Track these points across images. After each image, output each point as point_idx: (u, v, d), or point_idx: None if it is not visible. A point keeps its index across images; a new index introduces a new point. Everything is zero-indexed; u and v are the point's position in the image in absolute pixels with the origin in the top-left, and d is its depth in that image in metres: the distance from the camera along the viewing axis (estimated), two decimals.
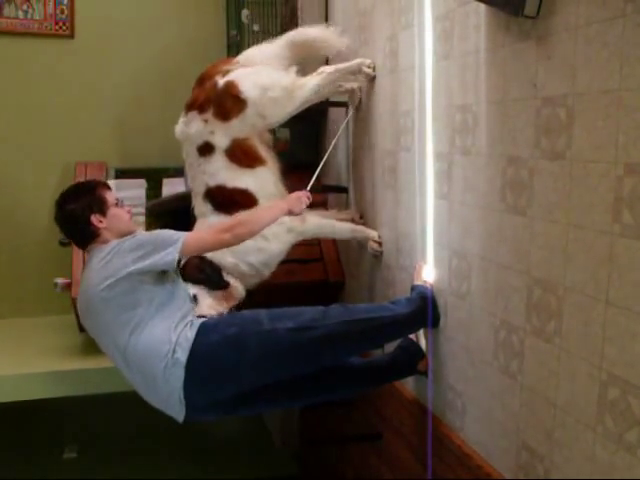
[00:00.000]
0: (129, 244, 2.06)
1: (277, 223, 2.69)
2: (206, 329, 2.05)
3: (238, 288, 2.62)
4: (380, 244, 2.94)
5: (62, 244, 3.68)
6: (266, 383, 2.13)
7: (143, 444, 4.37)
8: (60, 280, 3.49)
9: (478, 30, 2.06)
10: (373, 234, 2.96)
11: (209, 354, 2.02)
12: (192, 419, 2.09)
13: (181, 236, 2.08)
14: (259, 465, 4.31)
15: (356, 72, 2.96)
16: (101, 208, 2.15)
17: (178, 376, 1.98)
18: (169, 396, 2.02)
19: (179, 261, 2.15)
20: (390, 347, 2.68)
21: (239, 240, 2.19)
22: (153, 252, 2.03)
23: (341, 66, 2.91)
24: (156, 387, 2.04)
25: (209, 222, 2.66)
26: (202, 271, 2.42)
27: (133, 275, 2.01)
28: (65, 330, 3.72)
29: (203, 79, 2.82)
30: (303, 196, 2.39)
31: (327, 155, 2.89)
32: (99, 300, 2.04)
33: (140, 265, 2.01)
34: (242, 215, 2.29)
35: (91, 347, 3.50)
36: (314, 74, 2.85)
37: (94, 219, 2.13)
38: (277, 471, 4.29)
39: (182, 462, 4.23)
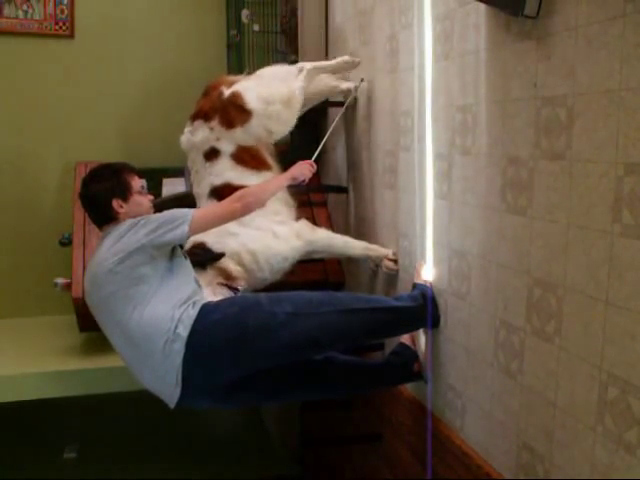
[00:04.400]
0: (143, 222, 2.10)
1: (287, 226, 2.70)
2: (208, 309, 2.08)
3: (235, 268, 2.60)
4: (396, 262, 2.77)
5: (62, 244, 3.69)
6: (264, 368, 2.13)
7: (143, 444, 4.36)
8: (60, 280, 3.49)
9: (478, 30, 2.06)
10: (387, 252, 2.80)
11: (210, 331, 2.03)
12: (185, 403, 2.08)
13: (192, 211, 2.13)
14: (259, 465, 4.31)
15: (337, 70, 3.00)
16: (124, 193, 2.18)
17: (178, 351, 2.00)
18: (166, 373, 2.02)
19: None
20: (388, 349, 2.68)
21: (249, 209, 2.22)
22: (164, 226, 2.06)
23: (321, 64, 3.03)
24: (154, 364, 2.04)
25: None
26: (195, 254, 2.44)
27: (146, 248, 2.04)
28: (65, 330, 3.72)
29: (208, 90, 2.89)
30: (307, 164, 2.45)
31: (328, 134, 2.93)
32: (106, 272, 2.06)
33: (152, 238, 2.04)
34: (249, 187, 2.33)
35: (91, 347, 3.51)
36: (295, 74, 2.91)
37: (115, 204, 2.16)
38: (277, 471, 4.28)
39: (182, 462, 4.22)
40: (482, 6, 1.99)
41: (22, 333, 3.90)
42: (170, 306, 2.04)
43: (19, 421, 4.27)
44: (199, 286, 2.22)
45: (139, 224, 2.09)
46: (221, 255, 2.54)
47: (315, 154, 2.66)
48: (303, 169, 2.45)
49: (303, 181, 2.47)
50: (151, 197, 2.30)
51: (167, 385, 2.04)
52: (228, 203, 2.21)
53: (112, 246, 2.08)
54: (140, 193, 2.23)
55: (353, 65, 3.03)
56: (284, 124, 2.82)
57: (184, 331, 2.00)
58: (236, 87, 2.81)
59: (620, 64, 1.47)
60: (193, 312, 2.04)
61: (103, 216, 2.19)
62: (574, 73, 1.62)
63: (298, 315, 2.10)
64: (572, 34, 1.62)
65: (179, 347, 2.00)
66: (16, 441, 4.26)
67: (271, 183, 2.43)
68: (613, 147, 1.50)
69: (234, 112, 2.75)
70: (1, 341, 3.73)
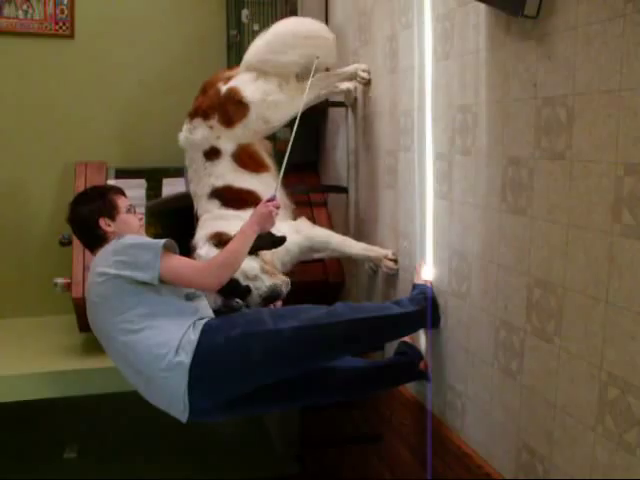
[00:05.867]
0: (114, 246, 2.07)
1: (285, 223, 2.69)
2: (210, 331, 2.04)
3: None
4: (396, 261, 2.76)
5: (62, 244, 3.69)
6: (270, 382, 2.12)
7: (143, 444, 4.37)
8: (60, 280, 3.49)
9: (478, 30, 2.06)
10: (387, 252, 2.79)
11: (213, 357, 2.00)
12: (195, 420, 2.08)
13: (160, 258, 2.00)
14: (259, 465, 4.31)
15: (352, 77, 3.00)
16: (111, 213, 2.17)
17: (181, 379, 1.97)
18: (172, 398, 2.01)
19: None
20: (389, 351, 2.68)
21: (223, 282, 2.11)
22: (133, 266, 2.01)
23: (338, 71, 2.99)
24: (157, 389, 2.04)
25: (215, 214, 2.68)
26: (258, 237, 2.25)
27: (117, 278, 2.01)
28: (65, 330, 3.72)
29: (206, 88, 2.88)
30: (272, 209, 2.19)
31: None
32: (94, 302, 2.07)
33: (119, 271, 2.01)
34: (220, 256, 2.12)
35: (91, 347, 3.51)
36: (312, 79, 2.88)
37: (102, 222, 2.15)
38: (277, 471, 4.29)
39: (182, 462, 4.22)
40: (482, 6, 1.99)
41: (22, 333, 3.90)
42: (165, 331, 2.01)
43: (19, 421, 4.26)
44: (196, 296, 2.18)
45: (110, 248, 2.06)
46: (284, 238, 2.33)
47: (276, 187, 2.40)
48: (271, 217, 2.20)
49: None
50: (141, 216, 2.27)
51: (175, 408, 2.04)
52: (203, 276, 2.07)
53: (94, 272, 2.07)
54: (128, 212, 2.21)
55: (364, 72, 2.98)
56: (282, 113, 2.79)
57: (186, 358, 1.97)
58: (233, 82, 2.81)
59: (620, 64, 1.47)
60: (194, 337, 2.00)
61: (92, 237, 2.16)
62: (574, 73, 1.62)
63: (303, 329, 2.09)
64: (572, 34, 1.62)
65: (182, 374, 1.97)
66: (16, 441, 4.26)
67: (240, 244, 2.14)
68: (613, 147, 1.50)
69: (233, 108, 2.74)
70: (1, 341, 3.73)
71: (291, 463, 4.36)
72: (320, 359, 2.21)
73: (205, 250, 2.50)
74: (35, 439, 4.29)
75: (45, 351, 3.56)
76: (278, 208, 2.24)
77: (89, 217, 2.16)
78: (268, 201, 2.23)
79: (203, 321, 2.08)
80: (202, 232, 2.64)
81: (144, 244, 2.07)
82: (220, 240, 2.48)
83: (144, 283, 2.02)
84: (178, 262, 2.09)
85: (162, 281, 2.04)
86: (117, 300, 2.02)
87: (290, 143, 2.45)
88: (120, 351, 2.06)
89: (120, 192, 2.27)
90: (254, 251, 2.33)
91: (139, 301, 2.02)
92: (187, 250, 2.57)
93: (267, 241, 2.30)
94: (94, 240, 2.16)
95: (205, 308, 2.22)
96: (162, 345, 1.98)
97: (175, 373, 1.97)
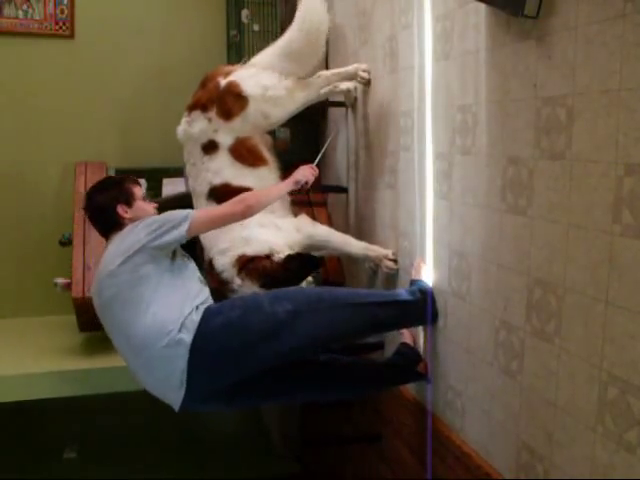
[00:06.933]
0: (143, 223, 2.14)
1: (285, 220, 2.73)
2: (211, 313, 2.10)
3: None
4: (395, 261, 2.76)
5: (62, 244, 3.69)
6: (266, 368, 2.13)
7: (143, 444, 4.37)
8: (60, 280, 3.49)
9: (478, 30, 2.06)
10: (387, 252, 2.79)
11: (213, 336, 2.05)
12: (189, 408, 2.10)
13: (192, 212, 2.17)
14: (259, 465, 4.31)
15: (353, 77, 3.00)
16: (128, 200, 2.24)
17: (181, 356, 2.01)
18: (169, 377, 2.03)
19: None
20: (390, 351, 2.68)
21: (250, 213, 2.24)
22: (164, 226, 2.10)
23: (338, 70, 3.00)
24: (156, 368, 2.05)
25: None
26: (291, 270, 2.50)
27: (146, 248, 2.07)
28: (65, 330, 3.72)
29: (205, 81, 2.88)
30: (309, 168, 2.51)
31: (330, 140, 2.96)
32: (108, 275, 2.09)
33: (151, 238, 2.07)
34: (251, 192, 2.40)
35: (91, 347, 3.52)
36: (313, 78, 2.89)
37: (120, 209, 2.22)
38: (277, 471, 4.29)
39: (182, 462, 4.22)
40: (482, 6, 1.99)
41: (22, 333, 3.90)
42: (171, 310, 2.05)
43: (19, 421, 4.27)
44: (205, 285, 2.24)
45: (140, 225, 2.13)
46: (322, 260, 2.60)
47: (317, 159, 2.68)
48: (305, 172, 2.49)
49: (306, 183, 2.48)
50: (155, 205, 2.35)
51: (171, 388, 2.05)
52: (230, 205, 2.24)
53: (115, 250, 2.12)
54: (143, 200, 2.29)
55: (365, 72, 2.99)
56: (282, 109, 2.80)
57: (188, 336, 2.02)
58: (232, 77, 2.81)
59: (620, 64, 1.47)
60: (196, 317, 2.06)
61: (109, 223, 2.23)
62: (574, 73, 1.62)
63: (298, 313, 2.12)
64: (572, 34, 1.62)
65: (183, 352, 2.01)
66: (16, 441, 4.26)
67: (274, 188, 2.47)
68: (613, 147, 1.50)
69: (231, 101, 2.74)
70: (1, 341, 3.73)
71: (291, 462, 4.37)
72: (317, 344, 2.22)
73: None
74: (35, 439, 4.29)
75: (45, 351, 3.56)
76: (316, 173, 2.54)
77: (108, 204, 2.22)
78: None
79: (204, 306, 2.13)
80: (206, 241, 2.67)
81: (174, 212, 2.17)
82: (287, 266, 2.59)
83: (167, 258, 2.12)
84: (205, 210, 2.43)
85: (195, 235, 2.22)
86: (137, 272, 2.06)
87: (329, 140, 2.90)
88: (126, 329, 2.07)
89: (135, 182, 2.35)
90: (304, 278, 2.56)
91: (156, 276, 2.08)
92: (187, 251, 2.58)
93: (311, 265, 2.58)
94: (110, 226, 2.23)
95: (209, 296, 2.26)
96: (166, 321, 2.03)
97: (175, 350, 2.01)
